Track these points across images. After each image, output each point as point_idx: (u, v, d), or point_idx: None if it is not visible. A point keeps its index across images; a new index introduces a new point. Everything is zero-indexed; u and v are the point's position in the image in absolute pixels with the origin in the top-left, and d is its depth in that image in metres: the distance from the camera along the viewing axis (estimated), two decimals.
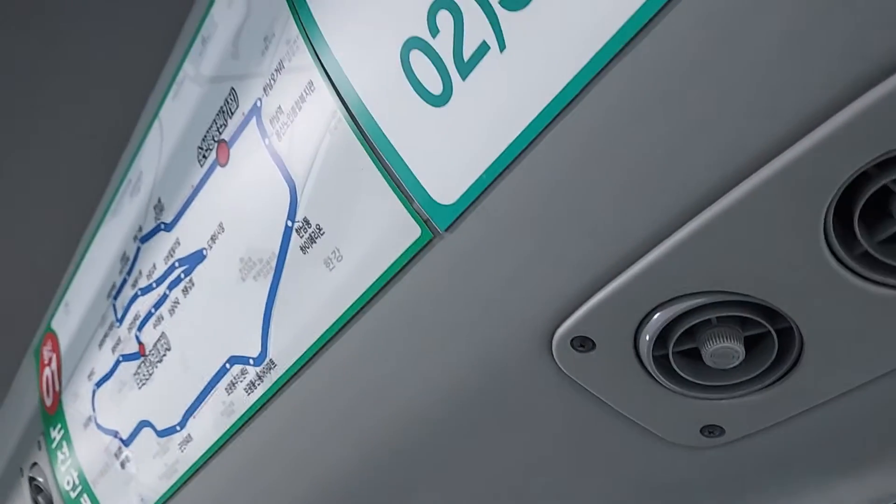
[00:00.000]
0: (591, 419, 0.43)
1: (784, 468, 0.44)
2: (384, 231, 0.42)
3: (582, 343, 0.40)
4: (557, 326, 0.40)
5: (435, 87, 0.38)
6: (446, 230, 0.40)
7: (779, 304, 0.35)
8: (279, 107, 0.47)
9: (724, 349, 0.37)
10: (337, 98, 0.43)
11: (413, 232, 0.41)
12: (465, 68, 0.37)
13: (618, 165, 0.34)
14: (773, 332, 0.37)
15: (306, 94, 0.45)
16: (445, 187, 0.39)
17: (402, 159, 0.41)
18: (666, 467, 0.45)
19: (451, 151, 0.39)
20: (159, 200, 0.59)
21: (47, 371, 0.80)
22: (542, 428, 0.45)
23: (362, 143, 0.42)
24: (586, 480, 0.48)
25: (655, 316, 0.37)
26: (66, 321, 0.76)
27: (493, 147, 0.37)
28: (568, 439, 0.45)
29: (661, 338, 0.38)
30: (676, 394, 0.40)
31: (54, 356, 0.78)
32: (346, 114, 0.43)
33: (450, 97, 0.38)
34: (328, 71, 0.43)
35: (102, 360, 0.68)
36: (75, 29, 0.63)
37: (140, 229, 0.62)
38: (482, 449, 0.47)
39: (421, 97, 0.39)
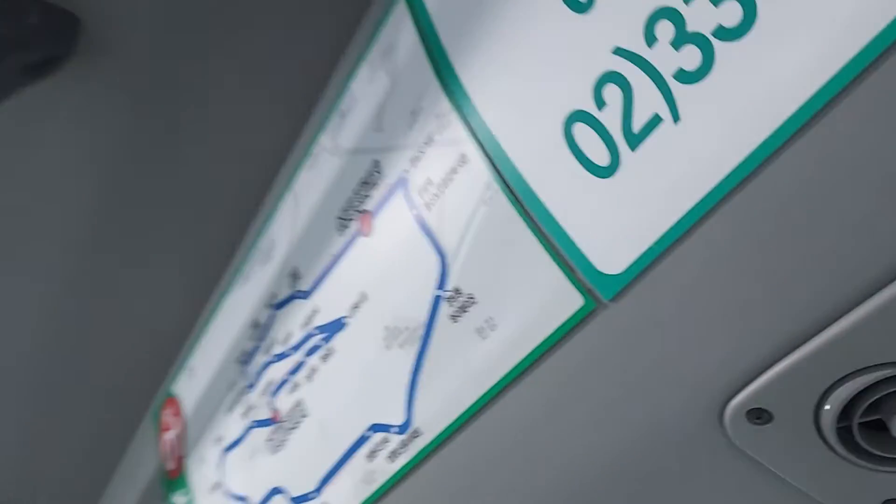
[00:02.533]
0: (760, 494, 0.42)
1: None
2: (543, 300, 0.42)
3: (758, 416, 0.39)
4: (731, 398, 0.39)
5: (601, 158, 0.39)
6: (611, 300, 0.40)
7: None
8: (428, 179, 0.48)
9: None
10: (493, 170, 0.44)
11: (575, 301, 0.41)
12: (635, 140, 0.37)
13: (799, 239, 0.34)
14: None
15: (458, 166, 0.46)
16: (611, 257, 0.40)
17: (563, 230, 0.41)
18: None
19: (618, 222, 0.39)
20: (295, 269, 0.61)
21: (168, 435, 0.82)
22: (709, 501, 0.44)
23: (520, 214, 0.43)
24: None
25: (840, 388, 0.36)
26: (191, 386, 0.78)
27: (666, 217, 0.37)
28: None
29: (844, 409, 0.37)
30: (858, 467, 0.39)
31: (177, 420, 0.80)
32: (503, 185, 0.43)
33: (617, 168, 0.38)
34: (482, 144, 0.44)
35: (232, 425, 0.69)
36: (213, 104, 0.66)
37: (274, 296, 0.63)
38: None
39: (585, 168, 0.40)
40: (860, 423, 0.37)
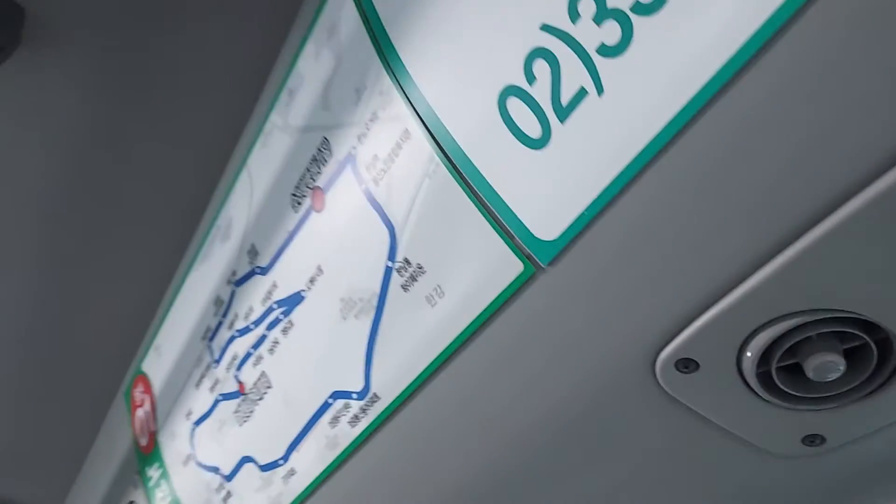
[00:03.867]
0: (692, 435, 0.45)
1: (886, 473, 0.46)
2: (487, 268, 0.45)
3: (686, 365, 0.42)
4: (660, 350, 0.42)
5: (533, 131, 0.41)
6: (549, 264, 0.42)
7: (879, 317, 0.37)
8: (375, 155, 0.50)
9: (825, 363, 0.39)
10: (434, 144, 0.46)
11: (516, 267, 0.43)
12: (564, 112, 0.39)
13: (718, 199, 0.36)
14: (872, 344, 0.39)
15: (402, 141, 0.48)
16: (546, 224, 0.42)
17: (502, 200, 0.43)
18: (766, 478, 0.47)
19: (552, 191, 0.41)
20: (252, 246, 0.62)
21: (140, 412, 0.84)
22: (644, 446, 0.47)
23: (462, 186, 0.45)
24: (685, 496, 0.50)
25: (758, 336, 0.39)
26: (159, 364, 0.80)
27: (594, 185, 0.39)
28: (669, 456, 0.47)
29: (763, 355, 0.40)
30: (779, 407, 0.42)
31: (147, 397, 0.82)
32: (444, 159, 0.45)
33: (548, 140, 0.40)
34: (424, 119, 0.46)
35: (200, 399, 0.71)
36: (162, 85, 0.67)
37: (234, 273, 0.65)
38: (586, 471, 0.49)
39: (520, 141, 0.42)
40: (778, 367, 0.41)
